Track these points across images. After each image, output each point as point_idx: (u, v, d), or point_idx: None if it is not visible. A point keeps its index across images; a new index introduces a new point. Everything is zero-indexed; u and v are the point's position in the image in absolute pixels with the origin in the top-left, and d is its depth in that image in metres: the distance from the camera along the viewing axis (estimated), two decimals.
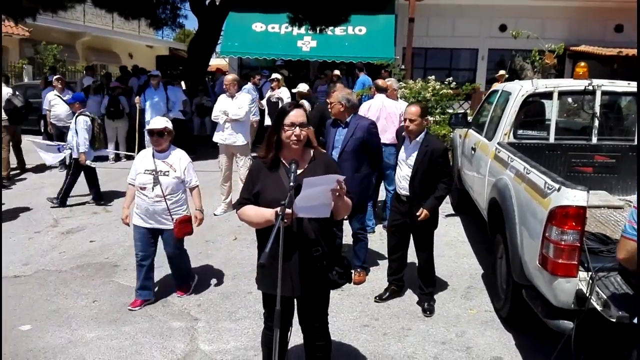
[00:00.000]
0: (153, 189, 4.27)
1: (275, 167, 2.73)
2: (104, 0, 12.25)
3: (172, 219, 4.35)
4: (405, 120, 4.17)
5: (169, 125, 4.42)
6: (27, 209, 7.17)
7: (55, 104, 9.69)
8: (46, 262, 5.38)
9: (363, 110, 6.25)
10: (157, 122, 4.42)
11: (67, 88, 10.28)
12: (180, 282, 4.64)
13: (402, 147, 4.32)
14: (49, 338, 3.88)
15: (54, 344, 3.80)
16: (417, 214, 4.14)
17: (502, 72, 9.53)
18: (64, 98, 9.76)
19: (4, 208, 7.23)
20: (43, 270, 5.18)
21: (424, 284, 4.34)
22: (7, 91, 8.99)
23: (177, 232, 4.38)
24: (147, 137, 8.69)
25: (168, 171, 4.33)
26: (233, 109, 6.72)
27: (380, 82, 6.63)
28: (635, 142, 5.01)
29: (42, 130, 11.45)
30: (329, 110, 4.76)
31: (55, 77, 10.51)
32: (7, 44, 19.01)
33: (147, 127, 4.39)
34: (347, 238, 5.05)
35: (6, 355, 3.64)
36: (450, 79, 9.85)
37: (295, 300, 2.89)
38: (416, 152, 4.16)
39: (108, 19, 22.40)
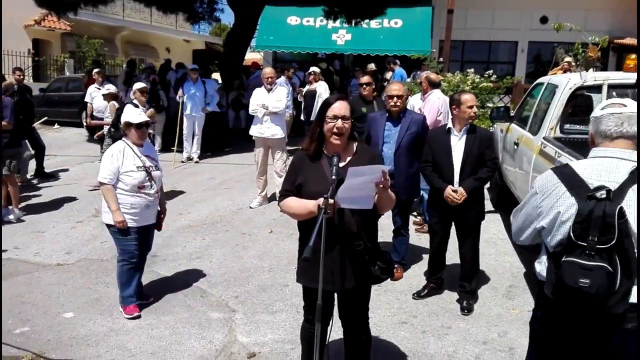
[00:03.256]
0: (152, 185, 4.12)
1: (318, 160, 2.70)
2: None
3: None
4: (472, 107, 4.07)
5: None
6: (70, 199, 7.36)
7: (95, 97, 9.94)
8: (88, 251, 5.50)
9: (418, 106, 6.14)
10: (139, 113, 4.26)
11: (106, 81, 10.52)
12: (140, 283, 4.31)
13: (453, 141, 4.14)
14: (91, 326, 3.96)
15: (96, 331, 3.88)
16: (454, 189, 4.04)
17: (568, 59, 8.74)
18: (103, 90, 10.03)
19: (49, 198, 7.45)
20: (85, 259, 5.30)
21: (467, 281, 4.23)
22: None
23: (160, 225, 4.36)
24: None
25: (157, 165, 4.24)
26: (272, 101, 6.73)
27: (433, 76, 6.34)
28: None
29: (85, 124, 11.82)
30: (393, 104, 4.53)
31: (95, 70, 10.78)
32: (50, 38, 19.60)
33: (132, 120, 4.09)
34: (382, 234, 4.97)
35: (50, 342, 3.74)
36: (490, 71, 9.62)
37: (335, 294, 2.86)
38: (463, 142, 4.08)
39: (146, 13, 22.80)
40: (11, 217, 6.45)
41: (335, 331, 2.99)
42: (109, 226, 4.10)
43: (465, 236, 4.21)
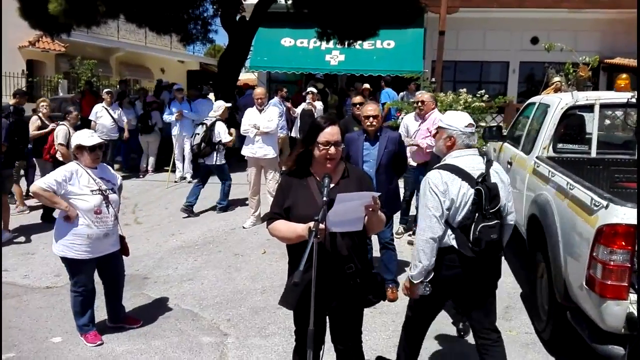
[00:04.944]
0: (108, 210, 3.90)
1: (306, 182, 2.67)
2: (136, 15, 12.45)
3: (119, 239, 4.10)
4: None
5: None
6: None
7: (100, 116, 9.91)
8: None
9: (413, 126, 6.13)
10: (91, 135, 3.98)
11: (115, 104, 10.50)
12: (123, 311, 4.29)
13: None
14: (79, 351, 3.86)
15: (85, 356, 3.78)
16: None
17: (557, 78, 8.63)
18: (111, 111, 9.98)
19: (40, 219, 7.33)
20: None
21: None
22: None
23: (127, 249, 4.19)
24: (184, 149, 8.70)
25: (113, 187, 3.99)
26: (263, 122, 6.72)
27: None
28: None
29: None
30: (370, 124, 4.62)
31: (105, 90, 10.78)
32: (44, 59, 19.59)
33: (84, 142, 3.84)
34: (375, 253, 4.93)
35: None
36: (483, 91, 9.68)
37: (327, 319, 2.80)
38: None
39: (141, 34, 22.87)
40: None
41: (331, 355, 2.93)
42: (62, 259, 3.92)
43: None
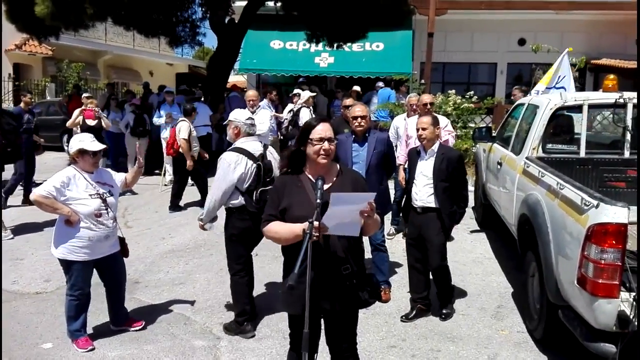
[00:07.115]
0: (108, 213, 3.91)
1: (300, 183, 2.66)
2: (124, 17, 12.37)
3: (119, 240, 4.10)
4: (418, 129, 4.26)
5: None
6: (49, 224, 7.17)
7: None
8: None
9: (403, 127, 6.16)
10: (93, 140, 3.96)
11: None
12: (125, 311, 4.29)
13: (419, 161, 4.33)
14: (70, 357, 3.82)
15: None
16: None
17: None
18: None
19: (27, 221, 7.26)
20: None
21: (440, 298, 4.43)
22: None
23: (127, 251, 4.19)
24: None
25: (110, 190, 3.99)
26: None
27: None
28: None
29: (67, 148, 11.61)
30: (358, 124, 4.63)
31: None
32: (31, 62, 19.42)
33: (88, 147, 3.83)
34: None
35: None
36: (472, 92, 9.75)
37: (322, 321, 2.80)
38: (432, 162, 4.21)
39: (129, 37, 22.76)
40: None
41: (324, 357, 2.92)
42: (60, 261, 3.91)
43: (429, 254, 4.32)
